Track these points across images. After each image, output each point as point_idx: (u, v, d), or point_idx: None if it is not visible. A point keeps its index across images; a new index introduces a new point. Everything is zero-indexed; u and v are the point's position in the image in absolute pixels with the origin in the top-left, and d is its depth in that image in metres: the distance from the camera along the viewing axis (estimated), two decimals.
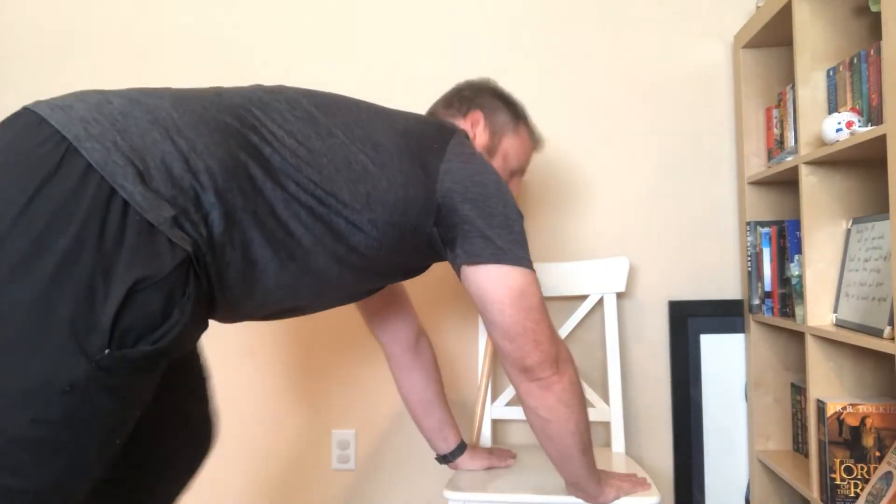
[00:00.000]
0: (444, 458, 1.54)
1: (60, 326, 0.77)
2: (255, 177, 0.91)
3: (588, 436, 1.22)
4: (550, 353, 1.11)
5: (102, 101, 0.87)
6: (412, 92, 1.95)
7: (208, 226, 0.87)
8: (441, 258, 1.15)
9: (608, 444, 1.78)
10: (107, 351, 0.78)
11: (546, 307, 1.13)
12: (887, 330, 1.20)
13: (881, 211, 1.43)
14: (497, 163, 1.32)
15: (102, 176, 0.80)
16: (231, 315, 1.01)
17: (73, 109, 0.84)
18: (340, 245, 0.99)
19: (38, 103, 0.86)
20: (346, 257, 1.01)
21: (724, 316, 1.86)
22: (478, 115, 1.30)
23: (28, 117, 0.84)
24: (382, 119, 1.09)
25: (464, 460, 1.53)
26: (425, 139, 1.09)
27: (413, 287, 1.96)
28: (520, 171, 1.38)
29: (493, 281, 1.07)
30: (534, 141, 1.39)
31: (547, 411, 1.14)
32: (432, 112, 1.37)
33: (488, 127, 1.31)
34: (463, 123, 1.31)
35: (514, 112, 1.34)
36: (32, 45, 2.04)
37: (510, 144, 1.33)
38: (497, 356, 1.91)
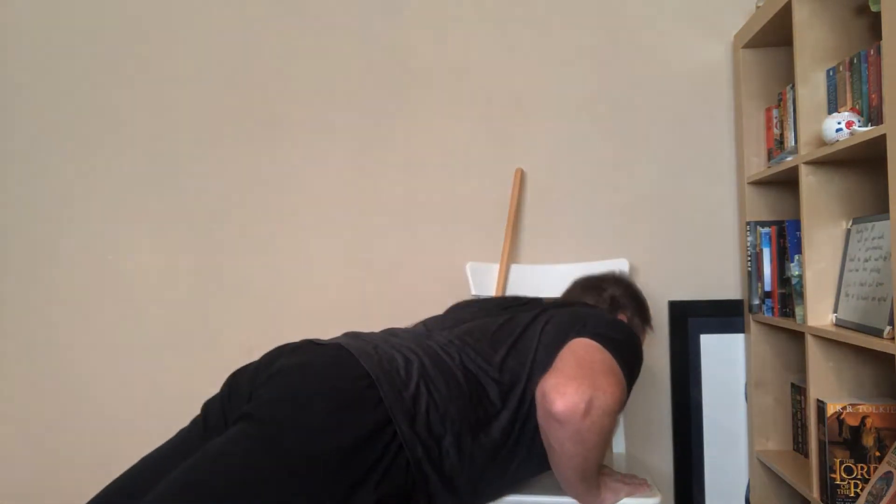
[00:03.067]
0: None
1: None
2: (481, 416, 1.11)
3: (594, 468, 1.19)
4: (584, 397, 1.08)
5: (392, 355, 1.11)
6: (413, 89, 1.95)
7: (443, 460, 1.07)
8: None
9: (609, 445, 1.78)
10: None
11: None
12: (887, 330, 1.20)
13: (881, 211, 1.43)
14: None
15: (388, 412, 1.02)
16: None
17: (372, 356, 1.08)
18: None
19: (349, 344, 1.11)
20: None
21: (724, 316, 1.86)
22: (623, 318, 1.47)
23: (342, 352, 1.09)
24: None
25: None
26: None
27: (414, 286, 1.96)
28: None
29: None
30: (649, 333, 1.58)
31: (557, 444, 1.11)
32: (577, 300, 1.51)
33: None
34: None
35: (645, 316, 1.54)
36: (32, 45, 2.04)
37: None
38: None
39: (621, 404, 1.13)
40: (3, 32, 2.04)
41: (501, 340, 1.20)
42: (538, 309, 1.30)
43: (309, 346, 1.13)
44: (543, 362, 1.16)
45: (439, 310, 1.48)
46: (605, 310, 1.48)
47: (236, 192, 1.99)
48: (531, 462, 1.19)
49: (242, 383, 1.11)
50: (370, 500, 0.98)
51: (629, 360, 1.20)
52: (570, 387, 1.07)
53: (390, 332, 1.24)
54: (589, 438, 1.09)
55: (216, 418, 1.11)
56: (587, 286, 1.53)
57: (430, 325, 1.31)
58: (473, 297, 1.52)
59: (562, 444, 1.10)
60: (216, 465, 0.96)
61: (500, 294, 1.80)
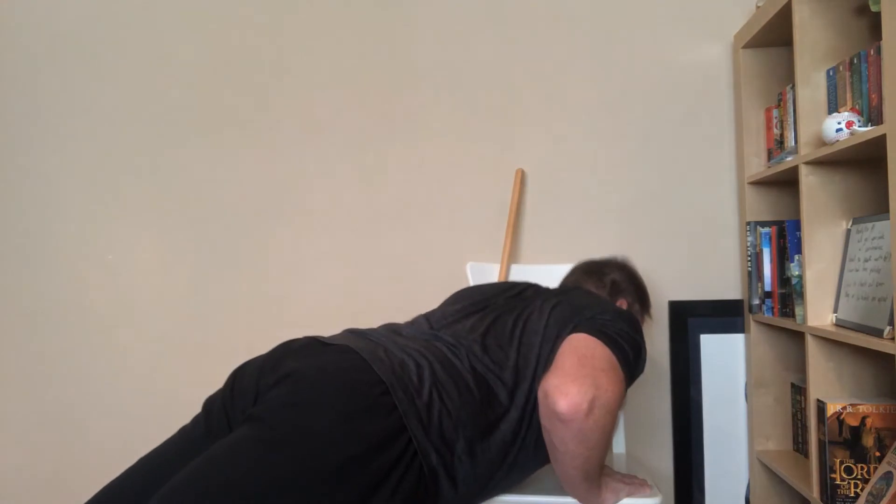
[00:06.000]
0: None
1: None
2: (491, 418, 1.11)
3: (597, 467, 1.19)
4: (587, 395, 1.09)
5: (403, 360, 1.10)
6: (414, 89, 1.96)
7: (455, 467, 1.07)
8: None
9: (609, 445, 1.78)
10: None
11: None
12: (887, 330, 1.20)
13: (881, 211, 1.43)
14: None
15: (402, 419, 1.01)
16: None
17: (384, 362, 1.07)
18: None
19: (360, 349, 1.09)
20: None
21: (724, 316, 1.86)
22: (623, 304, 1.49)
23: (355, 357, 1.07)
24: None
25: None
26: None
27: (414, 286, 1.96)
28: None
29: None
30: (648, 322, 1.59)
31: (560, 443, 1.11)
32: (578, 284, 1.51)
33: None
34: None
35: (645, 303, 1.54)
36: (33, 45, 2.04)
37: None
38: None
39: (621, 401, 1.14)
40: (4, 32, 2.04)
41: (507, 336, 1.20)
42: (540, 299, 1.29)
43: (317, 347, 1.11)
44: (547, 357, 1.16)
45: None
46: (606, 294, 1.48)
47: (237, 192, 1.99)
48: (539, 455, 1.19)
49: (247, 381, 1.10)
50: None
51: (629, 355, 1.20)
52: (572, 386, 1.07)
53: (393, 330, 1.23)
54: (592, 437, 1.09)
55: (219, 416, 1.09)
56: (589, 270, 1.53)
57: (433, 321, 1.29)
58: (473, 285, 1.50)
59: (565, 443, 1.10)
60: (224, 473, 0.94)
61: None
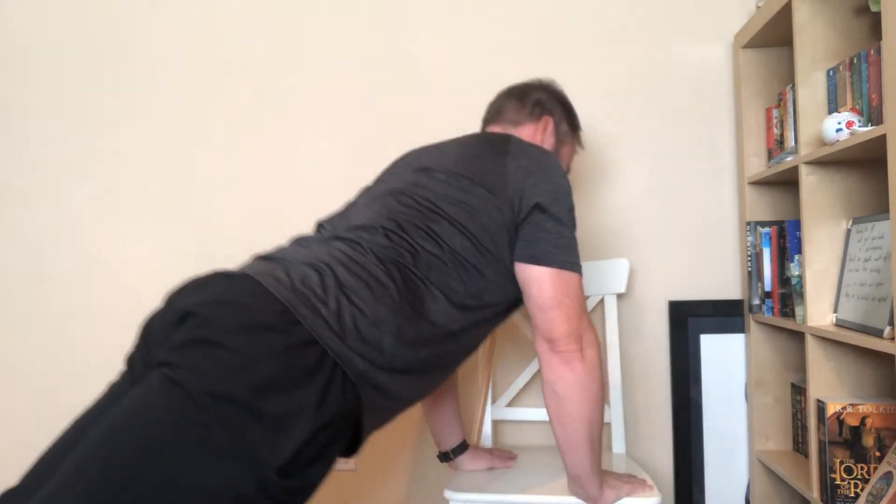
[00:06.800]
0: (445, 456, 1.54)
1: (251, 449, 0.89)
2: (416, 305, 1.08)
3: (599, 429, 1.24)
4: (578, 330, 1.19)
5: (305, 273, 1.05)
6: (413, 88, 1.96)
7: (392, 364, 1.05)
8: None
9: (609, 445, 1.78)
10: (276, 478, 0.90)
11: (584, 298, 1.23)
12: (887, 330, 1.20)
13: (881, 211, 1.43)
14: None
15: (311, 333, 0.97)
16: (382, 423, 1.14)
17: (283, 282, 1.02)
18: (478, 311, 1.18)
19: (258, 274, 1.03)
20: (486, 316, 1.20)
21: (724, 316, 1.86)
22: (548, 122, 1.43)
23: (252, 284, 1.01)
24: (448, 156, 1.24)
25: (464, 460, 1.53)
26: (487, 175, 1.21)
27: None
28: (566, 172, 1.56)
29: (535, 272, 1.20)
30: (580, 148, 1.56)
31: (564, 387, 1.19)
32: (500, 107, 1.45)
33: (554, 134, 1.44)
34: (532, 125, 1.43)
35: (574, 123, 1.48)
36: (32, 45, 2.04)
37: (566, 151, 1.48)
38: (496, 358, 1.91)
39: (580, 284, 1.22)
40: (3, 32, 2.04)
41: (411, 221, 1.16)
42: (446, 177, 1.22)
43: (216, 280, 1.05)
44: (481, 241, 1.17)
45: None
46: (527, 114, 1.42)
47: (237, 189, 1.99)
48: (488, 322, 1.22)
49: (155, 328, 1.04)
50: (307, 427, 0.93)
51: (573, 254, 1.21)
52: (570, 345, 1.19)
53: (299, 243, 1.18)
54: (595, 376, 1.21)
55: (140, 368, 1.04)
56: (510, 93, 1.46)
57: (335, 221, 1.24)
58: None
59: (571, 390, 1.19)
60: (134, 418, 0.90)
61: None
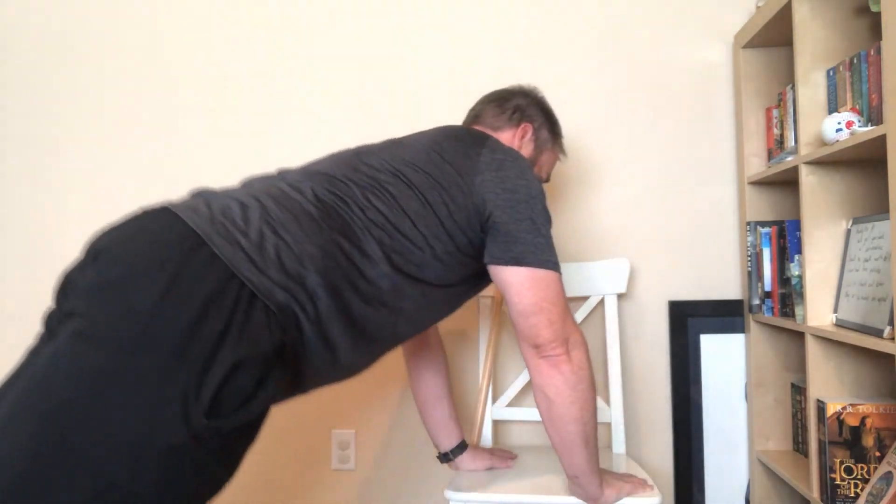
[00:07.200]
0: (444, 457, 1.54)
1: (174, 394, 0.85)
2: (349, 252, 1.04)
3: (593, 428, 1.24)
4: (563, 333, 1.19)
5: (227, 205, 1.02)
6: (413, 87, 1.96)
7: (314, 302, 0.99)
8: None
9: (609, 445, 1.78)
10: (205, 421, 0.87)
11: (565, 298, 1.21)
12: (887, 330, 1.20)
13: (881, 211, 1.43)
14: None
15: (227, 265, 0.93)
16: (327, 377, 1.11)
17: (201, 213, 0.98)
18: (419, 284, 1.13)
19: (176, 206, 1.00)
20: (428, 292, 1.16)
21: (724, 316, 1.86)
22: (528, 129, 1.41)
23: (168, 216, 0.98)
24: (414, 151, 1.20)
25: (464, 460, 1.53)
26: (459, 157, 1.20)
27: None
28: (546, 180, 1.54)
29: (513, 276, 1.18)
30: (562, 156, 1.53)
31: (553, 391, 1.19)
32: (480, 111, 1.44)
33: (533, 140, 1.43)
34: (511, 131, 1.41)
35: (555, 131, 1.47)
36: (33, 45, 2.04)
37: (546, 158, 1.47)
38: (496, 358, 1.91)
39: (560, 284, 1.21)
40: (3, 32, 2.04)
41: (369, 177, 1.12)
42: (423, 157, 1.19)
43: (133, 218, 1.00)
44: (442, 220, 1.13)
45: None
46: (506, 120, 1.40)
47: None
48: (443, 296, 1.19)
49: (73, 274, 0.98)
50: (228, 360, 0.88)
51: (551, 253, 1.19)
52: (556, 349, 1.18)
53: (244, 182, 1.14)
54: (583, 376, 1.21)
55: (56, 325, 0.97)
56: (490, 98, 1.45)
57: (294, 169, 1.20)
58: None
59: (560, 393, 1.19)
60: (47, 378, 0.86)
61: (499, 298, 1.80)
